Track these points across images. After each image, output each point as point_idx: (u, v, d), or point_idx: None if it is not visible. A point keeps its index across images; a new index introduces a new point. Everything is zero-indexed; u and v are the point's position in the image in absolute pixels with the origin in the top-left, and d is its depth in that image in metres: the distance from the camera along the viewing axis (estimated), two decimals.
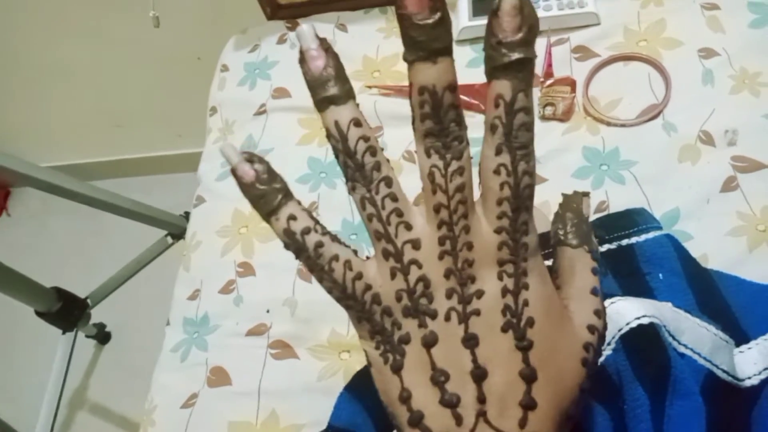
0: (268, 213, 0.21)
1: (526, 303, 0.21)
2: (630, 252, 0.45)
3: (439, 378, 0.20)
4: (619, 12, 0.63)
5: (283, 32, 0.75)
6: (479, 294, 0.21)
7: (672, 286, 0.43)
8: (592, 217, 0.48)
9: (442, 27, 0.18)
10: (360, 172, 0.20)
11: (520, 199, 0.20)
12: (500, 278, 0.21)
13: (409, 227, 0.21)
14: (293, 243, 0.21)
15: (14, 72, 1.31)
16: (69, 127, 1.47)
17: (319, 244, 0.21)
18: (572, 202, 0.25)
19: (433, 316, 0.21)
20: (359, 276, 0.21)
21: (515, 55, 0.18)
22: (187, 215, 1.12)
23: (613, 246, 0.45)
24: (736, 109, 0.54)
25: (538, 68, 0.61)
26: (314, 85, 0.20)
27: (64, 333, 1.09)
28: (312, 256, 0.21)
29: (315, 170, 0.63)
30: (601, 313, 0.23)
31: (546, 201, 0.54)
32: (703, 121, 0.54)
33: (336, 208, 0.60)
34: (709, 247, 0.48)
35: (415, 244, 0.21)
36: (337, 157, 0.21)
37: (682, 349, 0.36)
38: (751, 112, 0.53)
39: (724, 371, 0.37)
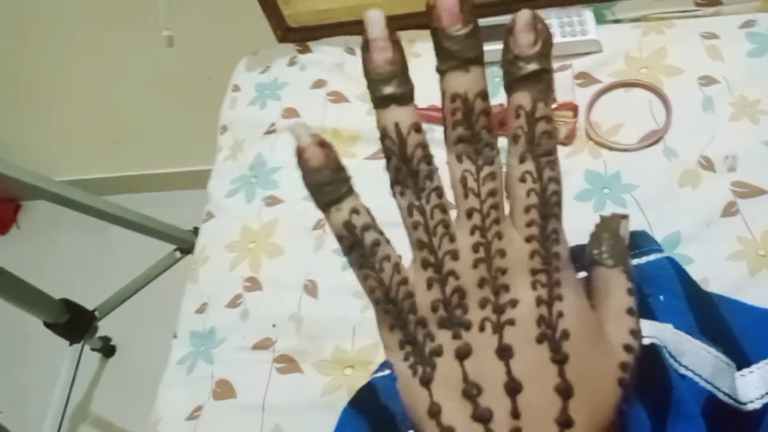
0: (329, 202, 0.20)
1: (560, 314, 0.20)
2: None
3: (471, 391, 0.20)
4: (620, 39, 0.64)
5: (293, 55, 0.77)
6: (513, 303, 0.20)
7: (673, 308, 0.43)
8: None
9: (474, 37, 0.19)
10: (413, 178, 0.20)
11: (548, 206, 0.20)
12: (534, 288, 0.20)
13: (452, 239, 0.20)
14: (351, 237, 0.20)
15: (29, 89, 1.34)
16: (81, 143, 1.50)
17: (376, 242, 0.20)
18: (610, 223, 0.25)
19: (468, 326, 0.20)
20: (404, 281, 0.21)
21: (531, 67, 0.19)
22: (196, 230, 1.13)
23: None
24: (735, 135, 0.55)
25: None
26: (376, 79, 0.19)
27: (71, 344, 1.10)
28: (366, 254, 0.20)
29: None
30: (637, 334, 0.23)
31: None
32: (704, 147, 0.55)
33: None
34: (710, 271, 0.48)
35: (455, 255, 0.20)
36: (388, 159, 0.20)
37: (683, 371, 0.36)
38: (750, 138, 0.54)
39: (726, 394, 0.37)
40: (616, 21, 0.66)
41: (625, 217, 0.25)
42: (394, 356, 0.21)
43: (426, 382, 0.20)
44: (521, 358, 0.20)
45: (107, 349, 1.37)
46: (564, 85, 0.63)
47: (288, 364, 0.54)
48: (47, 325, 1.02)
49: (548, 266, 0.20)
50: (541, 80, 0.19)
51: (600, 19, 0.66)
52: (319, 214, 0.62)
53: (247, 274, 0.61)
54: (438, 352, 0.20)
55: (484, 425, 0.19)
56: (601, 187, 0.56)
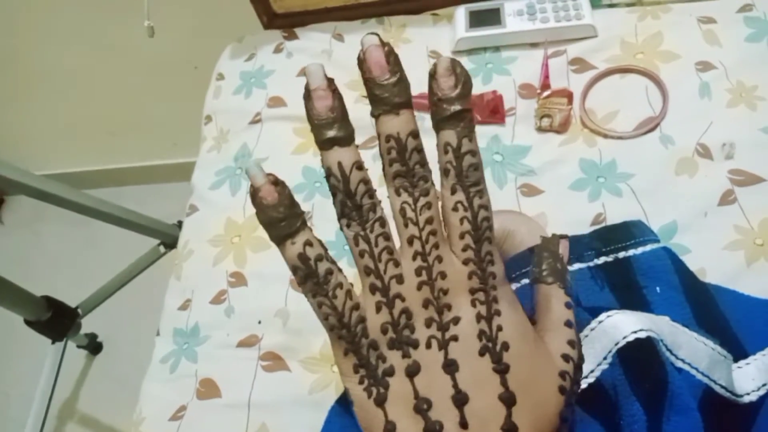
0: (284, 236, 0.22)
1: (500, 328, 0.22)
2: (627, 265, 0.44)
3: (422, 406, 0.21)
4: (616, 24, 0.63)
5: (279, 41, 0.75)
6: (456, 320, 0.22)
7: (669, 299, 0.43)
8: (589, 230, 0.48)
9: (401, 85, 0.21)
10: (357, 212, 0.22)
11: (480, 230, 0.22)
12: (473, 305, 0.22)
13: (397, 264, 0.22)
14: (305, 268, 0.22)
15: (9, 79, 1.31)
16: (64, 135, 1.46)
17: (329, 271, 0.22)
18: (549, 244, 0.28)
19: (415, 345, 0.22)
20: (357, 307, 0.22)
21: (454, 108, 0.21)
22: (180, 224, 1.11)
23: (610, 258, 0.45)
24: (733, 122, 0.54)
25: (536, 80, 0.61)
26: (319, 124, 0.21)
27: (53, 343, 1.07)
28: (320, 282, 0.22)
29: (310, 180, 0.62)
30: (575, 344, 0.24)
31: (542, 212, 0.53)
32: (701, 134, 0.54)
33: (330, 218, 0.59)
34: (707, 261, 0.47)
35: (400, 279, 0.22)
36: (334, 195, 0.22)
37: (679, 364, 0.36)
38: (748, 125, 0.53)
39: (722, 387, 0.36)
40: (612, 5, 0.65)
41: (564, 237, 0.28)
42: (349, 381, 0.22)
43: (380, 402, 0.22)
44: (466, 370, 0.21)
45: (94, 346, 1.35)
46: (558, 72, 0.61)
47: (274, 362, 0.53)
48: (28, 323, 1.00)
49: (485, 285, 0.22)
50: (464, 119, 0.22)
51: (595, 4, 0.64)
52: (306, 207, 0.61)
53: (232, 269, 0.59)
54: (390, 372, 0.22)
55: None
56: (596, 176, 0.54)
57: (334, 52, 0.71)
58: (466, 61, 0.65)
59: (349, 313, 0.22)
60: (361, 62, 0.21)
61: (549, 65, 0.61)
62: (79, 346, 1.32)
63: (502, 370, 0.21)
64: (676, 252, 0.45)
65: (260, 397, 0.51)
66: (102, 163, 1.57)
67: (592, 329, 0.36)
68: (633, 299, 0.43)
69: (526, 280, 0.41)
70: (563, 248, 0.28)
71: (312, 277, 0.22)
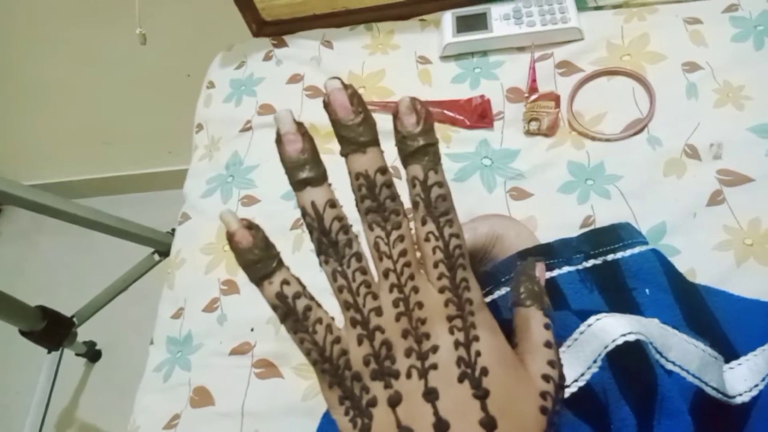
0: (262, 277, 0.22)
1: (478, 353, 0.22)
2: (616, 267, 0.44)
3: None
4: (602, 27, 0.63)
5: (269, 49, 0.75)
6: (434, 349, 0.22)
7: (659, 301, 0.43)
8: (579, 232, 0.48)
9: (366, 124, 0.22)
10: (333, 248, 0.22)
11: (453, 258, 0.23)
12: (451, 332, 0.22)
13: (375, 297, 0.23)
14: (284, 306, 0.22)
15: (3, 91, 1.31)
16: (58, 144, 1.46)
17: (308, 308, 0.22)
18: (526, 269, 0.28)
19: (396, 375, 0.22)
20: (337, 340, 0.22)
21: (418, 143, 0.22)
22: (173, 232, 1.11)
23: (599, 261, 0.45)
24: (720, 122, 0.54)
25: (524, 84, 0.61)
26: (291, 167, 0.22)
27: (49, 352, 1.07)
28: (300, 319, 0.22)
29: None
30: (555, 364, 0.25)
31: (532, 216, 0.53)
32: (688, 135, 0.54)
33: None
34: (697, 262, 0.47)
35: (378, 311, 0.22)
36: (311, 233, 0.22)
37: (669, 366, 0.36)
38: (735, 125, 0.53)
39: (714, 388, 0.36)
40: (598, 8, 0.65)
41: (539, 260, 0.29)
42: (336, 413, 0.23)
43: None
44: (446, 398, 0.22)
45: (92, 354, 1.35)
46: (546, 75, 0.61)
47: (267, 369, 0.53)
48: (23, 333, 1.00)
49: (462, 312, 0.23)
50: (428, 153, 0.22)
51: (581, 7, 0.64)
52: (297, 213, 0.61)
53: (224, 277, 0.59)
54: (373, 402, 0.22)
55: None
56: (584, 178, 0.54)
57: (323, 59, 0.71)
58: (454, 66, 0.66)
59: (330, 347, 0.22)
60: (327, 105, 0.22)
61: (536, 69, 0.61)
62: (77, 354, 1.32)
63: (481, 395, 0.22)
64: (666, 253, 0.45)
65: (254, 405, 0.51)
66: (98, 171, 1.57)
67: (581, 333, 0.36)
68: (622, 302, 0.43)
69: None
70: (540, 271, 0.28)
71: (291, 314, 0.22)
